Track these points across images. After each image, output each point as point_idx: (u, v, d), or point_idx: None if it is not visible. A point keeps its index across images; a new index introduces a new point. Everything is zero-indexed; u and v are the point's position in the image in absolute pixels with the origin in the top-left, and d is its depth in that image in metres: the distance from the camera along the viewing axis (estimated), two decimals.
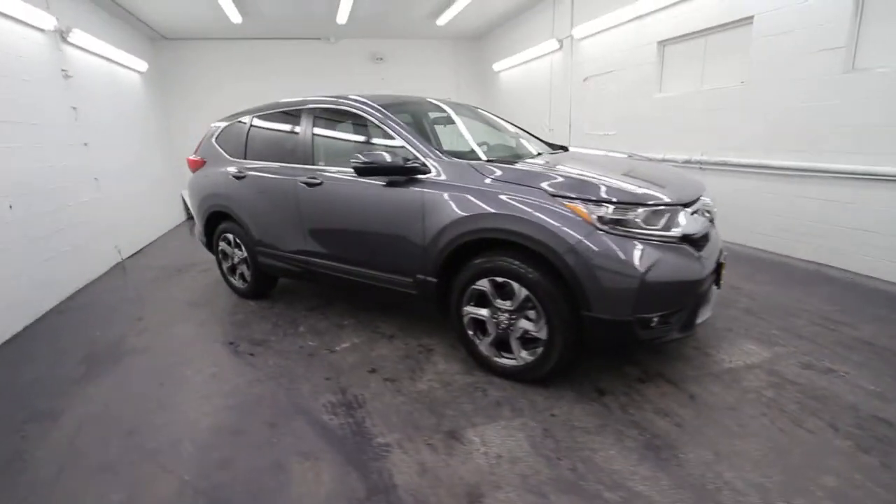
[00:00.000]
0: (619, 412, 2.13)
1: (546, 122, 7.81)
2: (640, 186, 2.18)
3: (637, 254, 1.99)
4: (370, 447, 1.99)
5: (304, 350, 2.95)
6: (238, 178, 3.57)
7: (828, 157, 3.70)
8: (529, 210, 2.11)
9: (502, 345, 2.40)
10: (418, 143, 2.64)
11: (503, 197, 2.20)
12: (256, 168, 3.47)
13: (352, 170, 2.64)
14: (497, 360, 2.42)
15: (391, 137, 2.75)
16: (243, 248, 3.70)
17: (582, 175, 2.24)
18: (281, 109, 3.47)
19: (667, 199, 2.11)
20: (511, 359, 2.37)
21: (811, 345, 2.63)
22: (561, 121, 7.41)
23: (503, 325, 2.34)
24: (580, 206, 2.05)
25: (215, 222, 3.92)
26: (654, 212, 2.08)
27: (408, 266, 2.66)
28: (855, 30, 3.43)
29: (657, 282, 1.98)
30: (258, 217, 3.47)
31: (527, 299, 2.20)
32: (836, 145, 3.64)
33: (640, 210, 2.06)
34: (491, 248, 2.32)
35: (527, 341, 2.31)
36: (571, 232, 2.02)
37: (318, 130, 3.16)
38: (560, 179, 2.18)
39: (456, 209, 2.33)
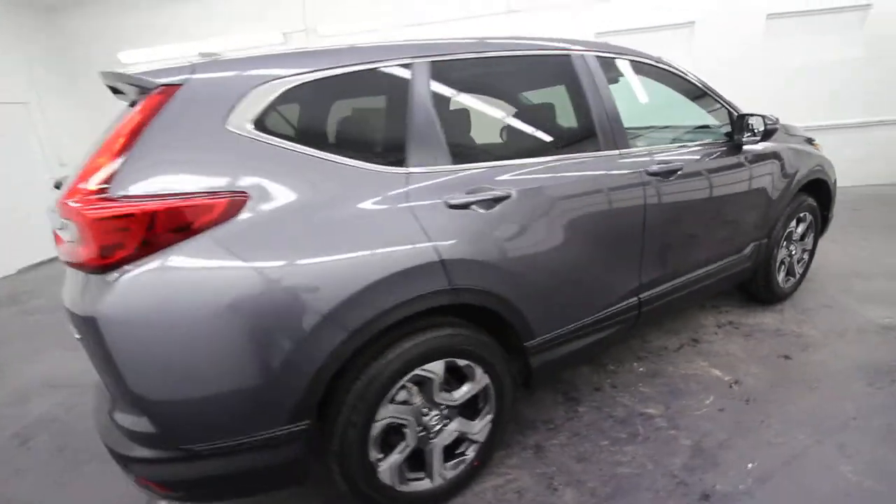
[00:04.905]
0: None
1: None
2: None
3: None
4: None
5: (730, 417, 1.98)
6: (480, 206, 1.44)
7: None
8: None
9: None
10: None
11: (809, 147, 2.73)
12: (533, 174, 1.61)
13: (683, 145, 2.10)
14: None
15: (706, 98, 2.27)
16: (480, 370, 1.54)
17: None
18: (514, 52, 1.70)
19: None
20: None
21: None
22: None
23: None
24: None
25: (349, 356, 1.29)
26: None
27: (744, 237, 2.44)
28: None
29: None
30: (545, 280, 1.61)
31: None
32: None
33: None
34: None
35: None
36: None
37: (618, 94, 1.89)
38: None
39: (813, 153, 2.61)
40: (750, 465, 1.68)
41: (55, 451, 2.18)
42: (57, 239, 1.31)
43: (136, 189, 1.07)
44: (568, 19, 5.48)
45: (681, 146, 2.17)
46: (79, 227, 1.04)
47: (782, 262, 2.77)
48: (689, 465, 1.72)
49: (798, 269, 2.91)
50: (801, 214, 2.75)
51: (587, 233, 1.73)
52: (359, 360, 1.32)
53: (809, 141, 2.86)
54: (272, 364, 1.15)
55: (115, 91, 1.41)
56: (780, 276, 2.79)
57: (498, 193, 1.49)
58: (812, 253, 2.98)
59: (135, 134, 1.10)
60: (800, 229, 2.80)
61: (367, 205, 1.30)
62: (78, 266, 1.12)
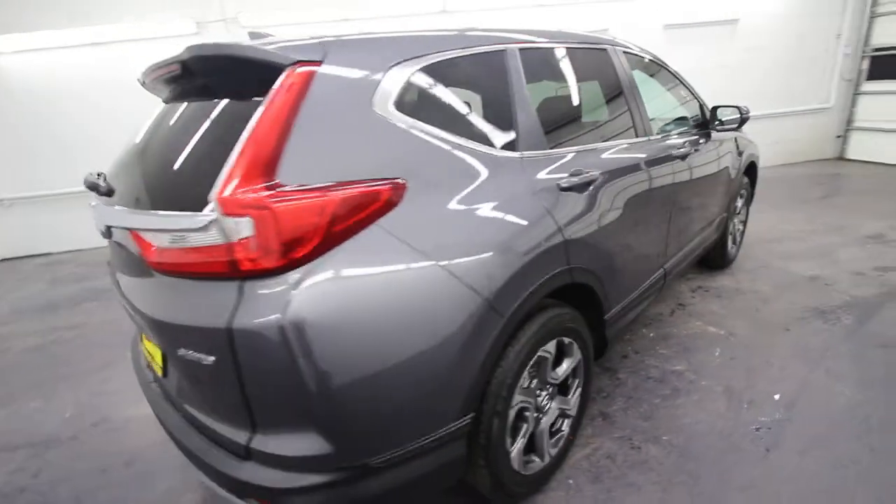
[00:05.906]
0: None
1: None
2: None
3: None
4: None
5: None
6: (579, 189, 1.51)
7: None
8: None
9: None
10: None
11: None
12: (607, 158, 1.76)
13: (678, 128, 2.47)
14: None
15: (683, 89, 2.60)
16: (576, 347, 1.61)
17: None
18: (576, 44, 1.90)
19: None
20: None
21: None
22: None
23: None
24: None
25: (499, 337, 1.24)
26: None
27: (715, 212, 2.83)
28: None
29: None
30: (617, 254, 1.74)
31: None
32: None
33: None
34: None
35: None
36: None
37: (641, 84, 2.07)
38: None
39: (749, 140, 3.11)
40: (776, 397, 2.01)
41: None
42: (145, 247, 1.07)
43: (306, 178, 0.94)
44: (500, 23, 5.75)
45: (675, 132, 2.46)
46: (257, 223, 0.87)
47: (731, 233, 3.29)
48: (732, 406, 1.99)
49: (738, 238, 3.48)
50: (742, 192, 3.30)
51: (644, 210, 1.91)
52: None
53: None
54: (450, 356, 1.09)
55: (185, 70, 1.20)
56: (729, 245, 3.31)
57: (591, 176, 1.58)
58: (745, 224, 3.58)
59: (289, 118, 0.96)
60: (740, 204, 3.35)
61: (504, 189, 1.29)
62: (222, 270, 0.94)
